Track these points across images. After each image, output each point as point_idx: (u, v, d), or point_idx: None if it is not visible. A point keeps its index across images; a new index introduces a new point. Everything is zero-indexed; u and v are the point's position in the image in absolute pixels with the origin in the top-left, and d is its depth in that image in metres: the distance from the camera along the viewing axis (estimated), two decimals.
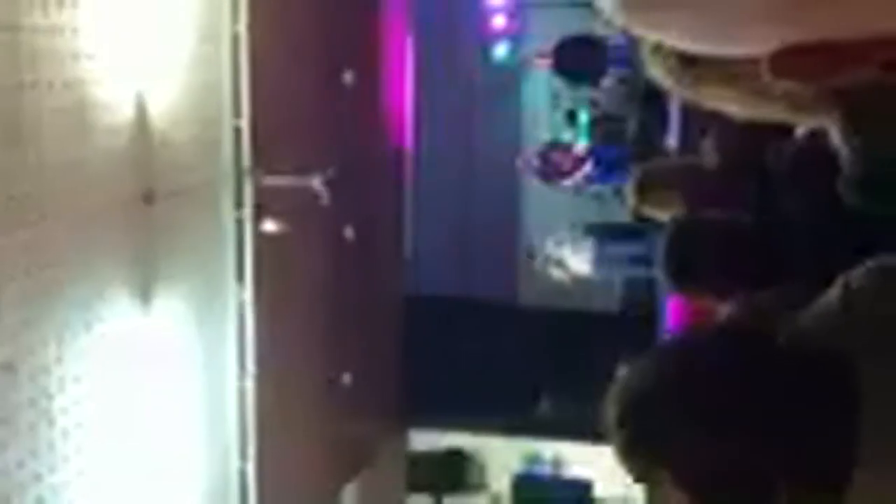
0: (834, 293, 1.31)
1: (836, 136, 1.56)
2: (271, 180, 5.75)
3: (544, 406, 8.87)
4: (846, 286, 1.29)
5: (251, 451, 5.93)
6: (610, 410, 1.31)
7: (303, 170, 6.03)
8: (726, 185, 2.65)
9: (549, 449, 8.43)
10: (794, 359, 1.26)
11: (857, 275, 1.30)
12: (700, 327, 1.71)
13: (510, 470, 8.62)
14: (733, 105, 1.55)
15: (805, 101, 1.49)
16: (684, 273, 2.35)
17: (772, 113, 1.56)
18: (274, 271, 5.97)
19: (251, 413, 5.90)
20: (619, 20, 0.69)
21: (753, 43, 0.69)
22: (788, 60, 0.67)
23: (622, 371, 1.39)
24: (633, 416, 1.28)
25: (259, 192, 5.74)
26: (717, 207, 2.60)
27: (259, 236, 5.79)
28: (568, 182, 9.83)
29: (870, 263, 1.31)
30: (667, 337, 1.32)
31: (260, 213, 5.77)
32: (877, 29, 0.66)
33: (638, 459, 1.29)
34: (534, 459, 8.57)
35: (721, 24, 0.66)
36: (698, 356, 1.32)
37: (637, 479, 1.32)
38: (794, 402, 1.24)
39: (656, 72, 1.56)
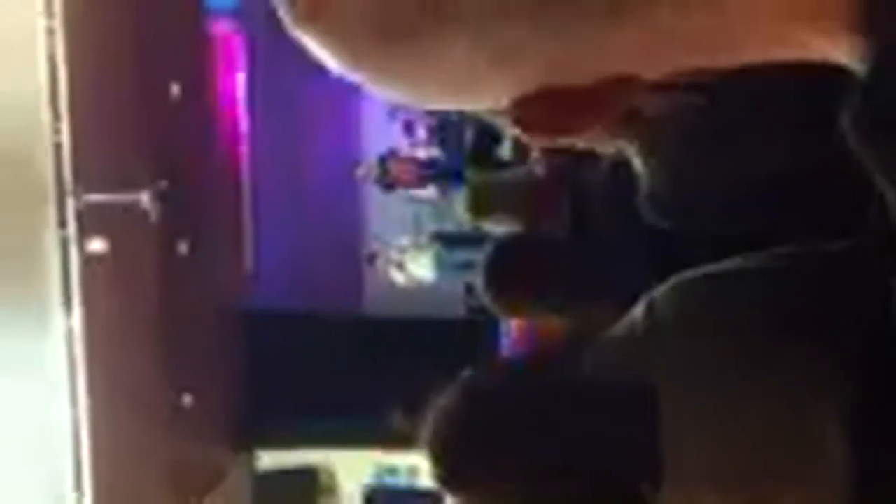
0: (638, 312, 1.29)
1: (634, 158, 1.55)
2: (96, 198, 5.50)
3: (396, 416, 8.75)
4: (650, 306, 1.28)
5: (86, 482, 5.67)
6: (423, 447, 1.31)
7: (130, 185, 5.81)
8: (550, 200, 2.58)
9: (404, 460, 8.33)
10: (593, 390, 1.25)
11: (659, 294, 1.29)
12: (502, 364, 1.73)
13: (363, 484, 8.50)
14: None
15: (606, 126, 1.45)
16: (502, 297, 2.25)
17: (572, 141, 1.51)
18: (104, 294, 5.73)
19: (85, 443, 5.66)
20: (332, 61, 0.59)
21: (486, 93, 0.61)
22: (529, 112, 0.60)
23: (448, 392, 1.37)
24: (442, 457, 1.29)
25: (83, 210, 5.48)
26: (545, 223, 2.54)
27: (86, 257, 5.54)
28: (408, 191, 9.79)
29: (672, 282, 1.29)
30: (473, 372, 1.32)
31: (85, 232, 5.52)
32: (604, 70, 0.59)
33: (454, 496, 1.30)
34: (388, 471, 8.46)
35: (453, 72, 0.59)
36: (495, 397, 1.32)
37: None
38: (595, 435, 1.23)
39: None
